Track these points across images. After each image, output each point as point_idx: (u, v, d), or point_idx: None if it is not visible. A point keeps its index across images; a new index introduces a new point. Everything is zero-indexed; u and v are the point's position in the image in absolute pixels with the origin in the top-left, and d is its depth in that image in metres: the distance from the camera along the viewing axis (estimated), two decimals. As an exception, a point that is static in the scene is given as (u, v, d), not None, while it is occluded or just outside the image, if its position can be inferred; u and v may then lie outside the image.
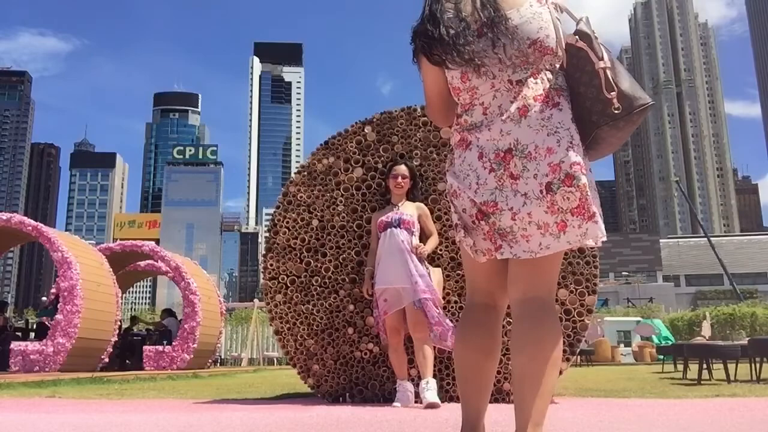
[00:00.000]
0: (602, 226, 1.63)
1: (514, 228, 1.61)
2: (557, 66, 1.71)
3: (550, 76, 1.68)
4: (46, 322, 11.19)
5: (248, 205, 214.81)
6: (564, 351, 4.31)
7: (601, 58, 1.63)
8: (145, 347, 13.19)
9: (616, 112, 1.59)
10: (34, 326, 13.28)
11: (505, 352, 4.32)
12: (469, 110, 1.72)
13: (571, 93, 1.68)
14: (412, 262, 4.00)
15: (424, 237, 4.26)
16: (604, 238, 1.63)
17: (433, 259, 4.38)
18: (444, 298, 4.40)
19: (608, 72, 1.61)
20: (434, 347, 4.04)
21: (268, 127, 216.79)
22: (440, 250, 4.46)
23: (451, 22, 1.69)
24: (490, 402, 4.29)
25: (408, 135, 4.72)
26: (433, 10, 1.72)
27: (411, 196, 4.37)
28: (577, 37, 1.68)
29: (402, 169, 4.35)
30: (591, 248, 4.39)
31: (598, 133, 1.64)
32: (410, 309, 3.96)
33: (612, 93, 1.59)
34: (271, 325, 4.84)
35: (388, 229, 4.14)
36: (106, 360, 11.75)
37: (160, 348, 13.09)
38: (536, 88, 1.66)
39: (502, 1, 1.69)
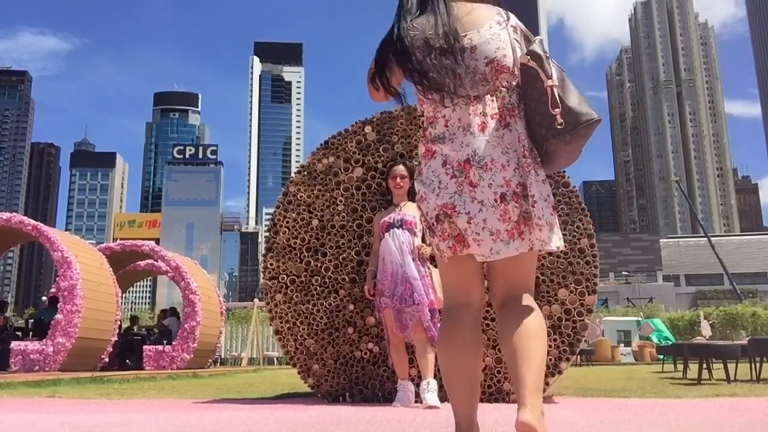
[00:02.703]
0: (553, 237, 1.78)
1: (468, 231, 1.74)
2: (513, 84, 1.84)
3: (505, 93, 1.82)
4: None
5: (248, 205, 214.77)
6: (564, 351, 4.31)
7: (550, 77, 1.75)
8: (145, 347, 13.19)
9: (559, 127, 1.72)
10: (31, 324, 13.26)
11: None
12: (433, 123, 1.86)
13: (525, 108, 1.82)
14: (412, 263, 3.99)
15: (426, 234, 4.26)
16: (558, 247, 1.79)
17: (434, 259, 4.38)
18: (444, 297, 4.40)
19: (555, 90, 1.74)
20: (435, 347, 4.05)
21: (268, 127, 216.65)
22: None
23: (415, 40, 1.83)
24: (491, 402, 4.30)
25: (408, 135, 4.72)
26: (401, 30, 1.85)
27: (412, 195, 4.36)
28: (529, 57, 1.79)
29: (400, 169, 4.33)
30: (590, 248, 4.39)
31: (547, 146, 1.78)
32: (410, 310, 3.96)
33: (556, 109, 1.73)
34: (271, 324, 4.84)
35: (391, 230, 4.14)
36: (106, 360, 11.75)
37: (160, 348, 13.08)
38: (492, 105, 1.80)
39: (466, 22, 1.84)
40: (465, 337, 1.81)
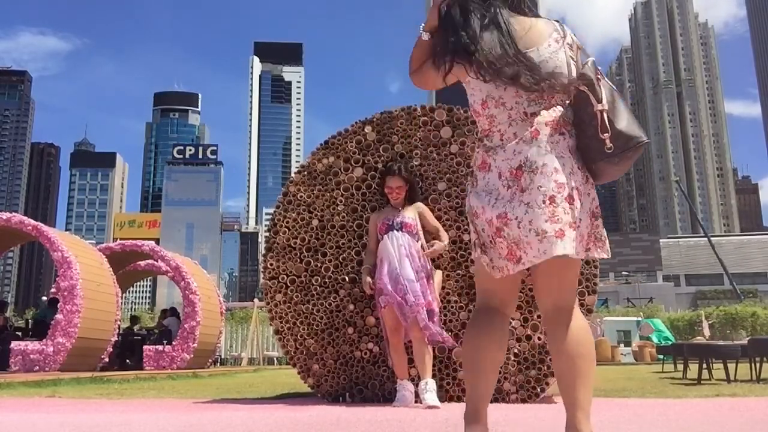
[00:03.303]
0: (592, 248, 1.86)
1: (521, 236, 1.77)
2: (567, 102, 1.89)
3: (561, 110, 1.87)
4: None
5: (248, 205, 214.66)
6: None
7: (600, 101, 1.80)
8: (145, 347, 13.19)
9: (608, 151, 1.78)
10: (32, 324, 13.27)
11: (506, 352, 4.33)
12: (489, 136, 1.90)
13: (576, 128, 1.87)
14: (409, 266, 3.99)
15: (428, 235, 4.26)
16: (606, 256, 1.88)
17: (433, 260, 4.37)
18: (444, 298, 4.40)
19: (605, 114, 1.79)
20: (434, 347, 4.04)
21: (268, 127, 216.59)
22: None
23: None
24: (491, 402, 4.30)
25: (408, 135, 4.72)
26: (474, 34, 1.88)
27: (409, 197, 4.35)
28: (580, 80, 1.84)
29: (395, 180, 4.28)
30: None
31: (596, 166, 1.83)
32: (407, 311, 3.94)
33: (605, 134, 1.78)
34: (271, 324, 4.84)
35: (390, 232, 4.13)
36: (106, 360, 11.75)
37: (160, 348, 13.09)
38: (548, 116, 1.85)
39: (525, 39, 1.88)
40: (495, 334, 1.90)
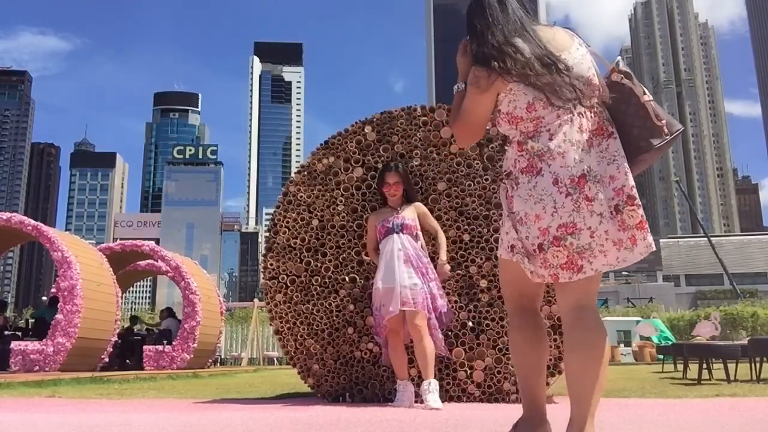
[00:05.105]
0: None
1: (593, 245, 1.81)
2: (602, 101, 1.95)
3: (600, 110, 1.92)
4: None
5: (248, 205, 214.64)
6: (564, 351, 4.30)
7: (645, 93, 1.89)
8: (145, 347, 13.19)
9: (667, 137, 1.88)
10: (31, 324, 13.26)
11: (505, 352, 4.33)
12: (535, 137, 1.90)
13: (617, 123, 1.92)
14: (405, 271, 3.97)
15: (426, 235, 4.26)
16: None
17: (433, 259, 4.36)
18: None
19: (653, 104, 1.89)
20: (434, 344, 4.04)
21: (268, 127, 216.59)
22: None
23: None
24: (491, 402, 4.30)
25: (408, 135, 4.72)
26: (512, 42, 1.92)
27: (408, 196, 4.34)
28: (622, 75, 1.93)
29: (391, 176, 4.28)
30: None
31: (642, 156, 1.90)
32: (407, 311, 3.93)
33: (662, 121, 1.87)
34: (271, 324, 4.84)
35: (389, 236, 4.11)
36: (106, 360, 11.75)
37: (160, 348, 13.08)
38: (593, 120, 1.90)
39: (554, 46, 1.94)
40: (536, 332, 2.01)
